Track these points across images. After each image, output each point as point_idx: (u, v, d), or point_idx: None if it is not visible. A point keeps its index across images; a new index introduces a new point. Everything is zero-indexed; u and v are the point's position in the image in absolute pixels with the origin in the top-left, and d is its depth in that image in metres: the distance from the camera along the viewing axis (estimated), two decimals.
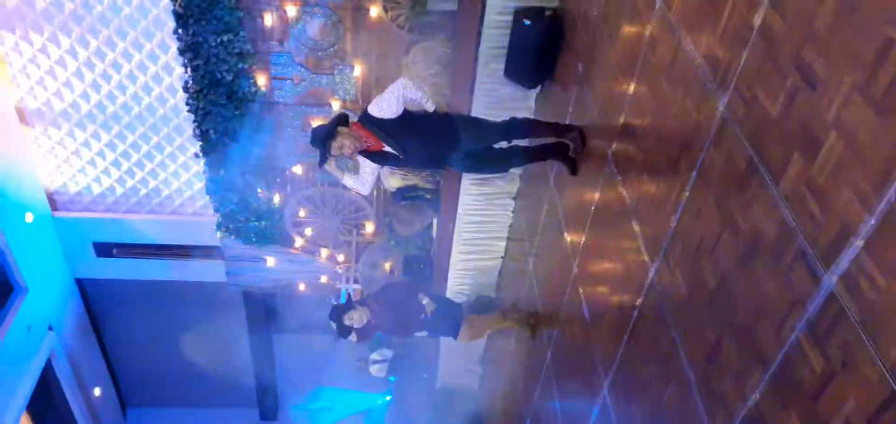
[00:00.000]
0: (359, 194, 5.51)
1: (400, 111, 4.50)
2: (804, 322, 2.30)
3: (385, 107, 4.46)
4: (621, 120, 3.88)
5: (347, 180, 4.92)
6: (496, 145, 4.88)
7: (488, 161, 4.97)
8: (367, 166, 4.76)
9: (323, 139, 4.45)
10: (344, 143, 4.44)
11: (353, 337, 5.50)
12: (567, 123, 4.87)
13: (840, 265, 2.14)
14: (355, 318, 5.41)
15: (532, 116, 5.69)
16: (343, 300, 6.20)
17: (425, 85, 6.29)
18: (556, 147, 4.81)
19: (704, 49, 2.99)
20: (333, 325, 5.48)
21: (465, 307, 6.29)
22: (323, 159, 4.59)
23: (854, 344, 2.08)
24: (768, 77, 2.51)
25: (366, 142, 4.54)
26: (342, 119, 4.56)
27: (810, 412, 2.26)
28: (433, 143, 4.64)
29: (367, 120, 4.53)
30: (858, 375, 2.06)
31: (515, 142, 5.11)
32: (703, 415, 2.91)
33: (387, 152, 4.63)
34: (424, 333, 5.74)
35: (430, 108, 4.68)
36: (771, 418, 2.47)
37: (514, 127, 4.84)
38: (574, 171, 4.71)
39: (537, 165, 5.67)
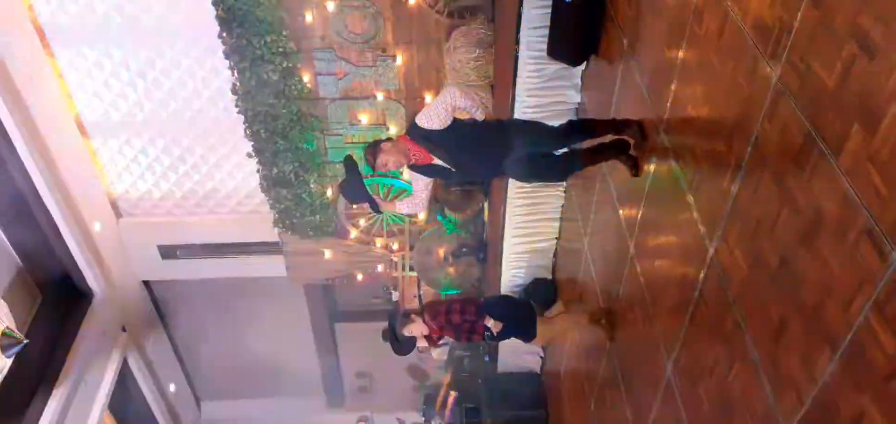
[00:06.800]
0: (416, 217, 5.27)
1: (449, 122, 4.29)
2: (873, 302, 2.19)
3: (434, 118, 4.26)
4: (671, 96, 3.76)
5: (402, 208, 4.81)
6: (555, 151, 4.59)
7: (546, 168, 4.66)
8: (419, 182, 4.57)
9: (362, 192, 4.47)
10: (388, 160, 4.23)
11: (421, 347, 5.40)
12: (624, 118, 4.47)
13: None
14: (414, 331, 5.28)
15: (588, 117, 5.35)
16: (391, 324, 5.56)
17: (474, 95, 6.06)
18: (616, 145, 4.45)
19: (753, 18, 2.85)
20: (399, 348, 5.36)
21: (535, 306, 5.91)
22: (374, 207, 4.60)
23: None
24: (823, 46, 2.37)
25: (413, 156, 4.32)
26: (349, 162, 4.51)
27: (883, 393, 2.16)
28: (486, 150, 4.38)
29: (414, 132, 4.32)
30: None
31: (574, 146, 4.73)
32: (770, 397, 2.82)
33: (436, 165, 4.37)
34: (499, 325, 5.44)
35: (479, 117, 4.45)
36: (842, 400, 2.37)
37: (573, 130, 4.61)
38: (636, 171, 4.30)
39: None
